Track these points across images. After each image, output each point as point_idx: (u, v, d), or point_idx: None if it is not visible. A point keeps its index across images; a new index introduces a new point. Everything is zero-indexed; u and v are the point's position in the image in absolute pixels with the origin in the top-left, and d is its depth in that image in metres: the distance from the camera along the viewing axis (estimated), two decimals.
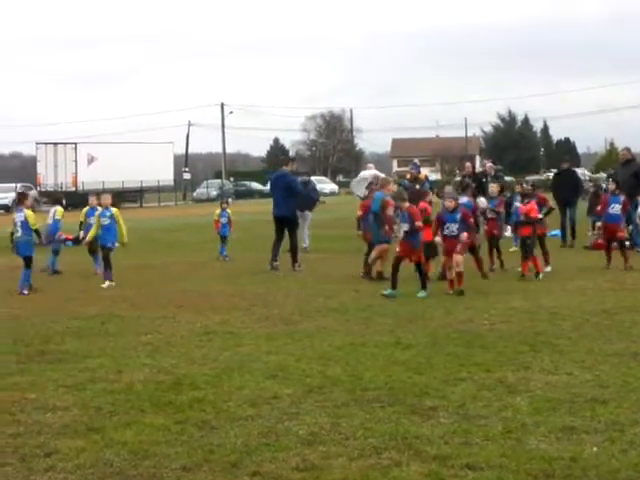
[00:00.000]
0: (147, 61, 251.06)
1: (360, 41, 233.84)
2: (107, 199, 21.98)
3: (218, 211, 27.40)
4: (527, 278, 19.40)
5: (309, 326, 14.15)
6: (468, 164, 31.01)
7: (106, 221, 21.26)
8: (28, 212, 20.13)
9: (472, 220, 18.69)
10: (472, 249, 19.54)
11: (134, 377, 10.85)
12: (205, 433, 8.49)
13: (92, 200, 24.19)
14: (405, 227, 17.58)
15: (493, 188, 22.76)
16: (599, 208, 23.98)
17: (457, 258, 17.76)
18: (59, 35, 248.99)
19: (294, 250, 23.01)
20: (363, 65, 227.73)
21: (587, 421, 8.61)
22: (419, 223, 17.59)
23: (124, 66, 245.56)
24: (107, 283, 20.23)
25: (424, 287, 17.58)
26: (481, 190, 27.51)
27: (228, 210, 27.60)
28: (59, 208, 24.56)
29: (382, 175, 29.95)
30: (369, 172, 32.00)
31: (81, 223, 24.24)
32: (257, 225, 37.88)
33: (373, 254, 19.83)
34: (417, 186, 28.17)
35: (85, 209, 24.46)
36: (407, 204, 17.90)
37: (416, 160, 37.10)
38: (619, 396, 9.51)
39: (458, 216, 18.04)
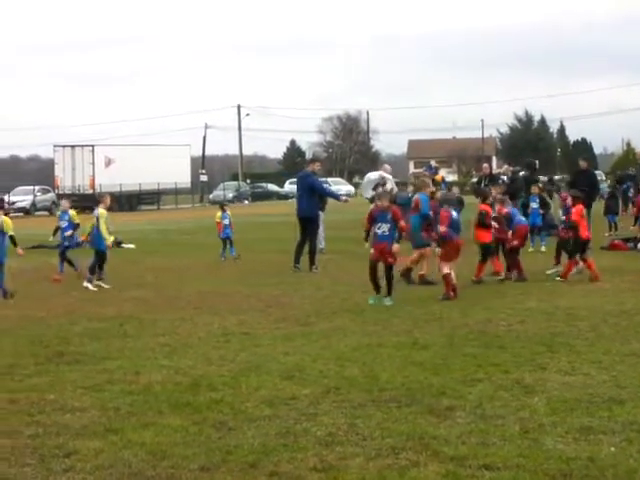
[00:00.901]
0: (164, 63, 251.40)
1: (376, 42, 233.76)
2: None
3: (219, 213, 27.70)
4: (569, 281, 19.19)
5: (325, 327, 14.16)
6: (485, 165, 30.98)
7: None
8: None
9: (402, 224, 17.16)
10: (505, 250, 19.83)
11: (152, 378, 10.89)
12: (223, 434, 8.52)
13: (64, 204, 24.41)
14: (384, 227, 16.74)
15: (494, 192, 21.64)
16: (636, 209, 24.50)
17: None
18: (75, 38, 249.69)
19: (312, 252, 23.08)
20: (379, 67, 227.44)
21: (604, 421, 8.61)
22: (402, 223, 17.08)
23: (141, 68, 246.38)
24: (86, 283, 20.46)
25: (389, 293, 16.77)
26: None
27: (228, 212, 27.94)
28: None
29: (388, 176, 29.97)
30: (376, 173, 32.01)
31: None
32: (274, 226, 37.96)
33: (413, 257, 19.86)
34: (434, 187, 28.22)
35: (59, 213, 24.31)
36: (387, 203, 17.08)
37: (432, 162, 37.07)
38: (636, 396, 9.50)
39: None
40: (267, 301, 17.30)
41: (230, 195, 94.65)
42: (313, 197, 23.54)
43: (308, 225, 23.36)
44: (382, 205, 16.98)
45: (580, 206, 20.00)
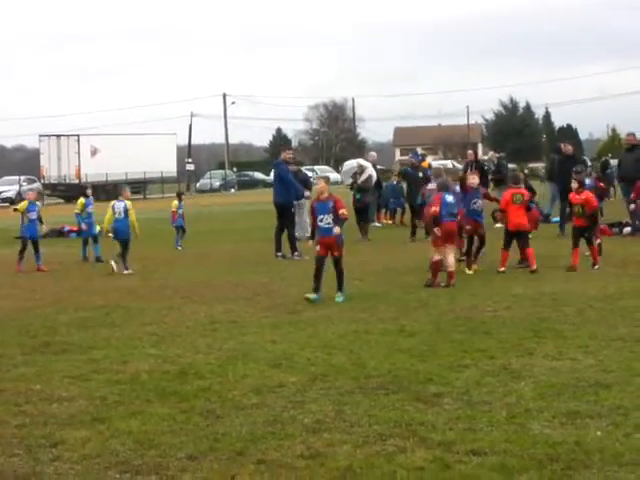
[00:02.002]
0: (149, 53, 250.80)
1: (362, 31, 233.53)
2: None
3: (176, 202, 28.10)
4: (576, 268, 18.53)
5: (313, 315, 14.17)
6: (470, 152, 31.02)
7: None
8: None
9: (343, 212, 15.90)
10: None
11: (139, 367, 10.88)
12: (210, 422, 8.52)
13: (29, 195, 24.59)
14: (327, 219, 15.75)
15: (472, 179, 20.29)
16: (633, 195, 24.42)
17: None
18: (61, 29, 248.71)
19: (291, 238, 23.33)
20: (365, 55, 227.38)
21: (591, 406, 8.63)
22: (344, 211, 15.78)
23: (125, 59, 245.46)
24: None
25: (340, 288, 15.84)
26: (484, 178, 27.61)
27: (183, 201, 28.67)
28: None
29: (366, 164, 29.91)
30: (355, 161, 32.09)
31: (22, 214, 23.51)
32: (260, 215, 37.91)
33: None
34: (420, 174, 28.29)
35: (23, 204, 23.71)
36: (327, 193, 16.03)
37: (419, 149, 37.12)
38: (623, 380, 9.53)
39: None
40: (254, 289, 17.29)
41: (217, 184, 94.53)
42: (282, 185, 23.79)
43: (283, 212, 23.64)
44: (322, 196, 16.09)
45: (509, 191, 19.52)
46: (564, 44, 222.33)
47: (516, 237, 18.95)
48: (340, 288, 15.81)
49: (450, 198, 17.75)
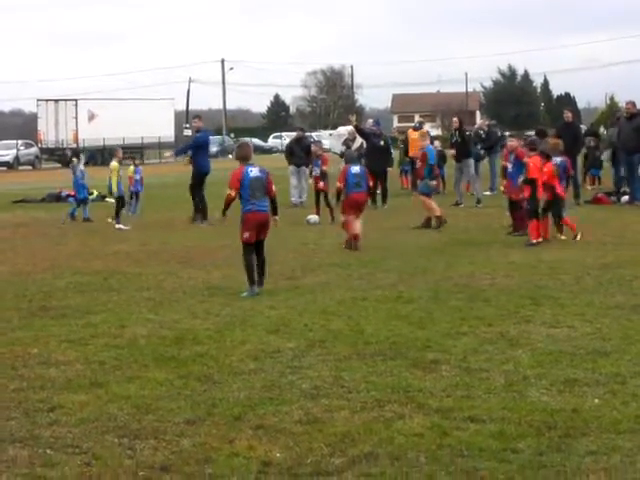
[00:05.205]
0: (148, 19, 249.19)
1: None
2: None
3: (132, 168, 27.99)
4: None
5: (311, 281, 14.16)
6: (455, 119, 30.80)
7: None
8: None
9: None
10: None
11: (137, 332, 10.88)
12: (208, 387, 8.53)
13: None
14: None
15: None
16: None
17: None
18: None
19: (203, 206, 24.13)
20: (363, 21, 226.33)
21: (588, 373, 8.64)
22: (273, 189, 13.65)
23: (124, 25, 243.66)
24: None
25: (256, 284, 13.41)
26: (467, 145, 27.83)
27: (141, 167, 28.77)
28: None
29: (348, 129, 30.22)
30: (345, 128, 32.09)
31: None
32: None
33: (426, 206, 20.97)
34: (382, 142, 28.30)
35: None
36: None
37: (416, 116, 36.95)
38: (620, 348, 9.55)
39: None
40: None
41: (214, 149, 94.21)
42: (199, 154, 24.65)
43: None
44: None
45: (537, 158, 18.30)
46: (563, 12, 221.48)
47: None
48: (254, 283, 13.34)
49: (356, 169, 18.46)
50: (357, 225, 17.98)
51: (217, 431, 7.31)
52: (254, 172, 13.41)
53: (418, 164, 22.13)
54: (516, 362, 9.11)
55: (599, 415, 7.42)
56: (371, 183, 18.89)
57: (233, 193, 13.44)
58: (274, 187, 13.75)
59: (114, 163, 24.46)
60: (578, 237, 18.08)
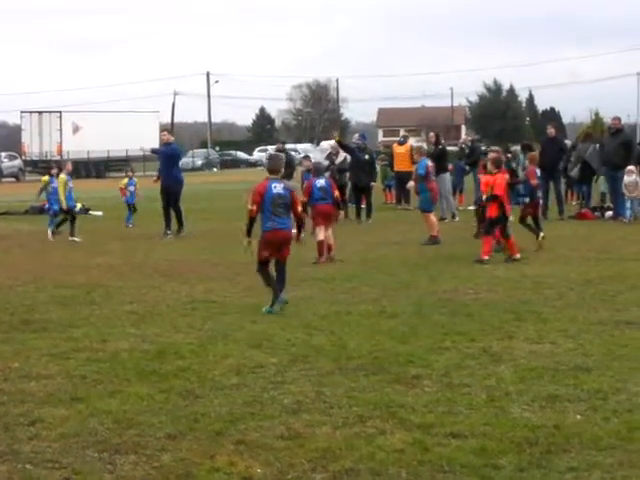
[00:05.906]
0: (132, 30, 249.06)
1: (345, 10, 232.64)
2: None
3: (125, 180, 28.70)
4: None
5: (294, 295, 14.11)
6: (431, 134, 31.07)
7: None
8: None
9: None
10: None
11: (119, 346, 10.84)
12: (189, 402, 8.50)
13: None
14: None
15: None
16: None
17: None
18: (43, 4, 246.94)
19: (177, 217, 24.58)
20: (348, 35, 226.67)
21: (570, 389, 8.65)
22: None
23: (109, 35, 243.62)
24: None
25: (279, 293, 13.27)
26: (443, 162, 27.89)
27: (135, 179, 29.16)
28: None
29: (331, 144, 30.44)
30: (328, 142, 32.26)
31: None
32: (242, 194, 37.73)
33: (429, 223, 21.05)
34: (366, 156, 28.55)
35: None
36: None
37: (402, 130, 37.08)
38: (602, 364, 9.56)
39: None
40: (235, 269, 17.21)
41: (199, 162, 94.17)
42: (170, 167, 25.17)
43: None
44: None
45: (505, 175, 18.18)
46: (548, 27, 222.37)
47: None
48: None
49: (321, 182, 18.70)
50: (325, 234, 18.20)
51: (198, 446, 7.29)
52: (277, 188, 13.08)
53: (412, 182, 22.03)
54: (498, 378, 9.11)
55: (580, 431, 7.42)
56: (337, 193, 18.85)
57: (255, 208, 13.06)
58: (300, 207, 13.68)
59: (62, 176, 24.37)
60: (518, 256, 17.69)
